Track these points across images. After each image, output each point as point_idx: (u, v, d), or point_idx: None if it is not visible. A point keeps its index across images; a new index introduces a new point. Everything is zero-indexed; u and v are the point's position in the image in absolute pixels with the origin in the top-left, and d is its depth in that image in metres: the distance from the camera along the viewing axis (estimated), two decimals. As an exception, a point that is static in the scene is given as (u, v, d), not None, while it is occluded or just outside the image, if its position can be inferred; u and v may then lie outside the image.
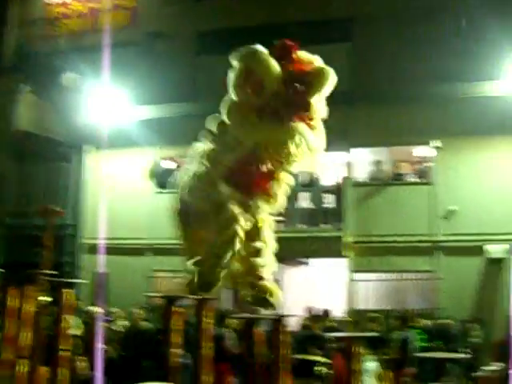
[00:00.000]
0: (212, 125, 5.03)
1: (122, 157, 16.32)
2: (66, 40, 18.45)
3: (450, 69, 14.22)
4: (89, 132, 16.46)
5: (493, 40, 13.24)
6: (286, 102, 4.44)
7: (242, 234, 4.60)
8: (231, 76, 4.68)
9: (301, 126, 4.52)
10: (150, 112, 16.19)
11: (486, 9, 13.89)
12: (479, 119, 14.03)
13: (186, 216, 5.14)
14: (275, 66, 4.53)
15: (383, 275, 14.81)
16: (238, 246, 4.58)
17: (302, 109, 4.53)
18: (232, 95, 4.63)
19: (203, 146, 5.13)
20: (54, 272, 6.55)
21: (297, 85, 4.41)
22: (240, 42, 18.31)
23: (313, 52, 5.03)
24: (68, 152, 17.20)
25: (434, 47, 14.78)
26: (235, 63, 4.73)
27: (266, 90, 4.45)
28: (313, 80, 4.52)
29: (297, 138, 4.44)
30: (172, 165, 16.50)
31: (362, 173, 15.64)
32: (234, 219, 4.56)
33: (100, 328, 10.72)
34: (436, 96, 14.38)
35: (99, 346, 9.78)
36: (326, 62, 4.94)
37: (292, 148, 4.45)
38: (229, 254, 4.55)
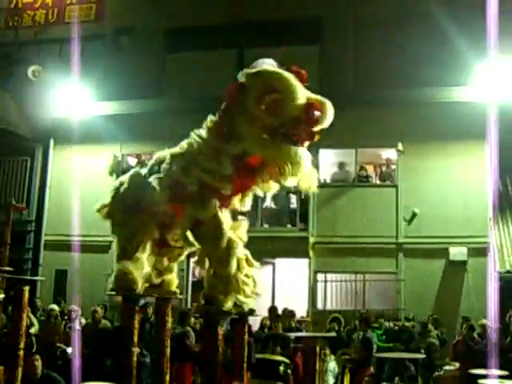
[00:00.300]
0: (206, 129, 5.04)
1: (86, 152, 16.10)
2: (30, 31, 18.14)
3: (419, 74, 14.39)
4: (52, 126, 16.22)
5: (461, 46, 13.45)
6: (303, 128, 4.64)
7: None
8: (252, 90, 4.72)
9: (305, 150, 4.83)
10: (115, 107, 16.02)
11: (455, 15, 14.11)
12: (446, 124, 14.25)
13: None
14: (301, 92, 4.65)
15: (345, 276, 14.90)
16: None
17: (313, 137, 4.80)
18: (250, 108, 4.65)
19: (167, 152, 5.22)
20: (11, 269, 6.43)
21: (317, 113, 4.55)
22: (208, 40, 18.23)
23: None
24: (31, 147, 16.89)
25: (403, 52, 14.96)
26: (255, 77, 4.80)
27: (287, 112, 4.51)
28: (322, 112, 4.68)
29: (301, 160, 4.76)
30: (134, 161, 16.37)
31: (326, 174, 15.71)
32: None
33: (59, 326, 10.59)
34: (404, 100, 14.58)
35: (57, 344, 9.66)
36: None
37: (295, 168, 4.76)
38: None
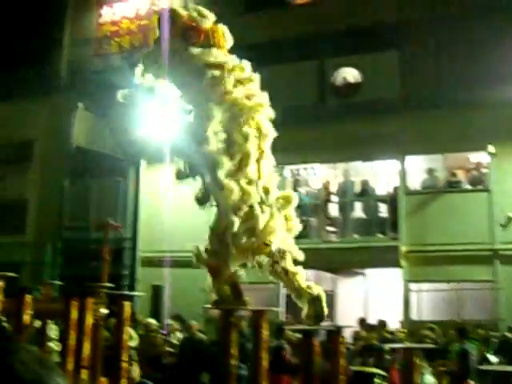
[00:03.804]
0: None
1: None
2: (118, 57, 18.87)
3: (503, 72, 13.92)
4: (143, 147, 16.75)
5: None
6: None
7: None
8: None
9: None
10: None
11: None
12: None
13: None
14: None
15: (440, 285, 14.52)
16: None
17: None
18: None
19: None
20: (112, 285, 6.69)
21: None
22: (288, 54, 18.41)
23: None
24: (124, 167, 17.51)
25: (486, 50, 14.49)
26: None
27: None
28: None
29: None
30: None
31: (415, 181, 15.43)
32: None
33: (157, 340, 10.87)
34: (489, 100, 14.08)
35: (155, 356, 9.93)
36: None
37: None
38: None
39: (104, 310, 6.69)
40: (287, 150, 15.21)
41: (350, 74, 16.20)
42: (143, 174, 17.46)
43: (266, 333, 5.01)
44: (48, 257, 17.83)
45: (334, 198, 16.07)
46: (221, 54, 5.60)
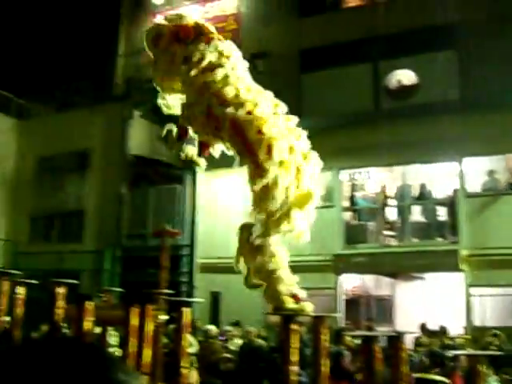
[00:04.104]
0: None
1: (233, 176, 16.49)
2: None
3: None
4: (198, 152, 16.88)
5: None
6: None
7: None
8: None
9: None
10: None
11: None
12: None
13: None
14: None
15: (503, 290, 14.09)
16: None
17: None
18: None
19: None
20: (171, 291, 6.74)
21: None
22: (342, 57, 18.28)
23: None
24: (180, 174, 17.69)
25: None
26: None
27: None
28: None
29: None
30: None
31: (475, 183, 15.06)
32: None
33: (216, 346, 10.91)
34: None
35: (214, 363, 9.96)
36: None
37: None
38: None
39: (164, 317, 6.74)
40: (343, 154, 15.13)
41: (404, 76, 15.98)
42: (200, 180, 17.58)
43: (325, 339, 4.94)
44: (107, 264, 18.16)
45: (392, 202, 15.85)
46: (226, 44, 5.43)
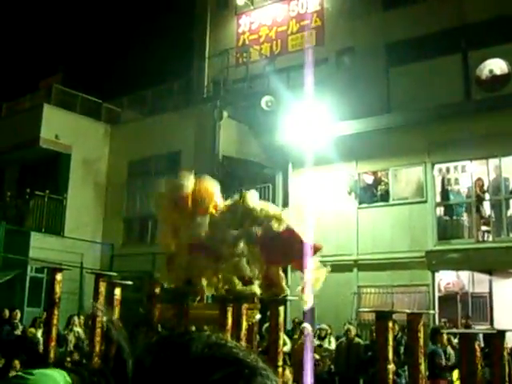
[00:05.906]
0: None
1: (322, 174, 16.42)
2: (258, 65, 19.32)
3: None
4: (289, 152, 16.94)
5: None
6: None
7: None
8: None
9: None
10: (346, 128, 16.12)
11: None
12: None
13: None
14: None
15: None
16: None
17: None
18: None
19: None
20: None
21: None
22: (429, 49, 17.82)
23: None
24: (271, 173, 17.78)
25: None
26: None
27: None
28: None
29: None
30: (370, 179, 16.42)
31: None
32: None
33: (310, 344, 10.94)
34: None
35: (309, 361, 9.99)
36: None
37: None
38: None
39: (258, 315, 6.85)
40: (435, 148, 14.78)
41: (496, 66, 15.42)
42: (292, 179, 17.57)
43: (421, 336, 4.87)
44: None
45: (487, 196, 15.33)
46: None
